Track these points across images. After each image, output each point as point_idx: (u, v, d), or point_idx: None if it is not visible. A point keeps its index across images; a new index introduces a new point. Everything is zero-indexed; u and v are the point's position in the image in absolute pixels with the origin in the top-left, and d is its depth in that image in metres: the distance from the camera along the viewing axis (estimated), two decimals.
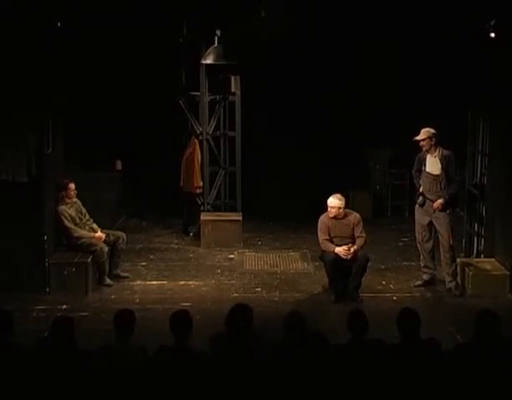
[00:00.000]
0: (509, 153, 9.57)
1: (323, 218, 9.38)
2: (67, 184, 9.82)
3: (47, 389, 5.56)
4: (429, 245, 9.72)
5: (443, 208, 9.44)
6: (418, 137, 9.41)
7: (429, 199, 9.52)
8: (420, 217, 9.68)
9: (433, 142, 9.40)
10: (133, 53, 12.21)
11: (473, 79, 10.18)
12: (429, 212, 9.54)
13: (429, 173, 9.52)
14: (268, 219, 12.87)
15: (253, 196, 12.52)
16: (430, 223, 9.60)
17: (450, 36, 10.32)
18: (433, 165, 9.47)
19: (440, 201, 9.42)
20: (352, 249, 9.15)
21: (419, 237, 9.75)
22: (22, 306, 8.74)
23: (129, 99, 12.74)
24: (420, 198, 9.60)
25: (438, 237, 9.60)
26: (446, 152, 9.45)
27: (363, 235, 9.31)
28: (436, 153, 9.45)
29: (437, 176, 9.47)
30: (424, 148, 9.45)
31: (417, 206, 9.70)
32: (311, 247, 11.01)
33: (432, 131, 9.41)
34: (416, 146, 9.52)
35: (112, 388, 5.59)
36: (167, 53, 11.75)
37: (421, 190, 9.61)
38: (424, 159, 9.54)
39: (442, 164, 9.43)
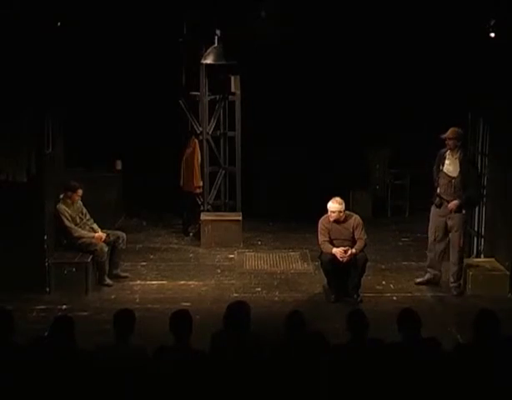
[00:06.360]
0: (509, 153, 9.57)
1: (323, 221, 9.33)
2: (77, 188, 9.77)
3: (47, 389, 5.57)
4: (442, 245, 9.63)
5: (458, 209, 9.41)
6: (446, 135, 9.34)
7: (445, 200, 9.47)
8: (435, 217, 9.60)
9: (459, 143, 9.37)
10: (133, 53, 12.21)
11: (473, 79, 10.18)
12: (445, 213, 9.48)
13: (445, 174, 9.44)
14: (268, 219, 12.88)
15: (253, 196, 12.51)
16: (445, 224, 9.55)
17: (450, 36, 10.33)
18: (451, 166, 9.40)
19: (455, 202, 9.37)
20: (349, 252, 9.08)
21: (431, 236, 9.66)
22: (22, 306, 8.72)
23: (129, 99, 12.75)
24: (437, 199, 9.54)
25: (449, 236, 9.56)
26: (468, 157, 9.38)
27: (363, 238, 9.23)
28: (457, 155, 9.39)
29: (453, 177, 9.39)
30: (448, 146, 9.39)
31: (433, 206, 9.64)
32: (311, 247, 11.01)
33: (460, 131, 9.39)
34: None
35: (112, 388, 5.59)
36: (167, 53, 11.75)
37: (438, 191, 9.54)
38: (444, 158, 9.47)
39: (461, 167, 9.37)
